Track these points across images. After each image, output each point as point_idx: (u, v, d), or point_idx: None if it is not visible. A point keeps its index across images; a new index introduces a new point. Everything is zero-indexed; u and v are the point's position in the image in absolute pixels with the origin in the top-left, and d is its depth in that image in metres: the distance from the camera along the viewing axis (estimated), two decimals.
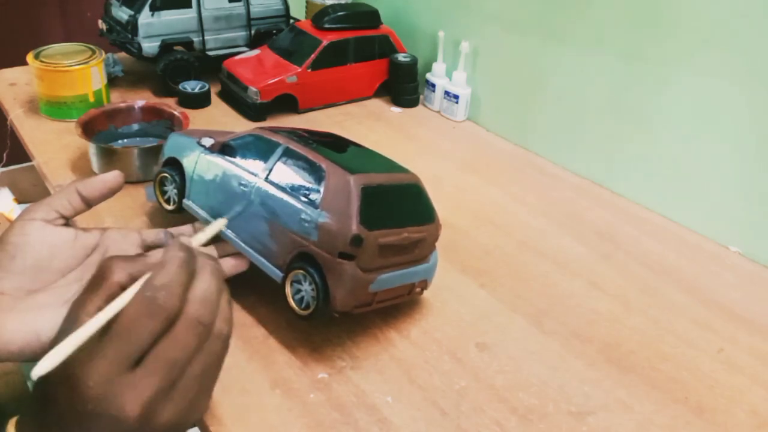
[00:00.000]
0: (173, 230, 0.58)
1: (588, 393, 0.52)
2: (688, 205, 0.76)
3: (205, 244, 0.51)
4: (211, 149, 0.58)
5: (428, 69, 1.02)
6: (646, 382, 0.54)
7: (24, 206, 1.82)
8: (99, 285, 0.39)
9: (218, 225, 0.52)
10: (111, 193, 0.54)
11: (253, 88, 0.91)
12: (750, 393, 0.54)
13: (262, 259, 0.53)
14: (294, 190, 0.51)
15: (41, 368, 0.34)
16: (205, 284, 0.39)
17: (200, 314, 0.38)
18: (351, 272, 0.48)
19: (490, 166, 0.88)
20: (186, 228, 0.58)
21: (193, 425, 0.41)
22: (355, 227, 0.47)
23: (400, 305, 0.58)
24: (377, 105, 1.03)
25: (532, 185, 0.83)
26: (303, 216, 0.49)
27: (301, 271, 0.50)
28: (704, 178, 0.73)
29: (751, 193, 0.69)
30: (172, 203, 0.61)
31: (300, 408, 0.49)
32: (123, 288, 0.39)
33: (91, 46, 0.92)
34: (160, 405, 0.37)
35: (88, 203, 0.53)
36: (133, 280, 0.39)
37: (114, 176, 0.54)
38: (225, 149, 0.57)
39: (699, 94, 0.71)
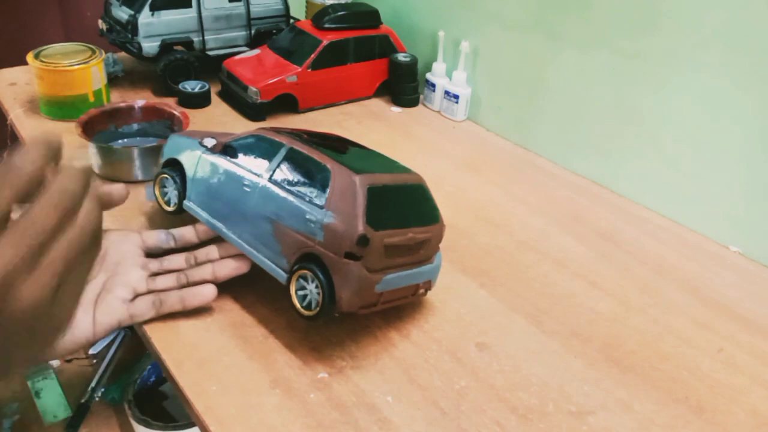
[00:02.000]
0: (174, 231, 0.58)
1: (588, 393, 0.52)
2: (688, 204, 0.76)
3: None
4: (213, 150, 0.58)
5: (428, 69, 1.02)
6: (646, 382, 0.54)
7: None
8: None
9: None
10: (111, 206, 0.53)
11: (253, 88, 0.91)
12: (750, 393, 0.54)
13: (266, 260, 0.53)
14: (299, 191, 0.51)
15: None
16: (71, 169, 0.35)
17: (64, 185, 0.34)
18: (357, 272, 0.48)
19: (490, 165, 0.88)
20: (187, 229, 0.58)
21: (62, 332, 0.37)
22: (361, 227, 0.47)
23: (401, 305, 0.58)
24: (377, 105, 1.03)
25: (532, 185, 0.83)
26: (308, 216, 0.49)
27: (306, 272, 0.50)
28: (704, 177, 0.73)
29: (751, 192, 0.69)
30: (172, 204, 0.61)
31: (300, 407, 0.49)
32: None
33: (91, 46, 0.92)
34: (19, 279, 0.33)
35: None
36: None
37: (118, 189, 0.54)
38: (227, 150, 0.57)
39: (699, 94, 0.71)
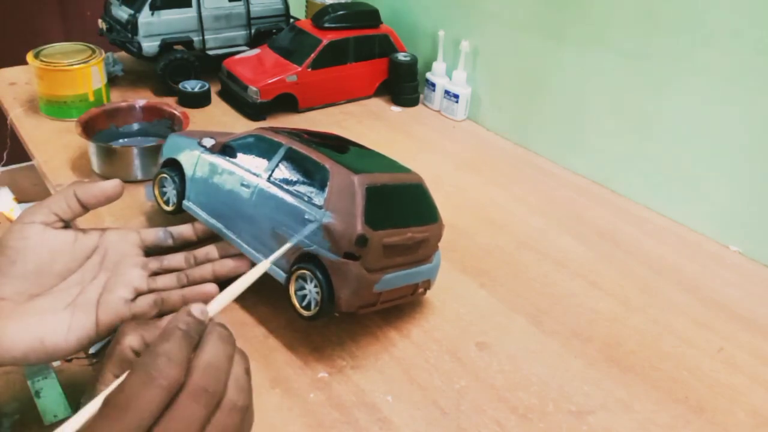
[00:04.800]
0: (172, 229, 0.58)
1: (588, 392, 0.52)
2: (688, 204, 0.76)
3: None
4: (212, 150, 0.58)
5: (428, 68, 1.02)
6: (646, 382, 0.54)
7: (24, 206, 1.82)
8: (113, 350, 0.37)
9: (255, 273, 0.45)
10: (108, 201, 0.53)
11: (253, 88, 0.91)
12: (750, 393, 0.54)
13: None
14: (297, 191, 0.51)
15: None
16: (211, 350, 0.36)
17: (205, 382, 0.34)
18: (356, 272, 0.48)
19: (490, 165, 0.88)
20: (186, 227, 0.58)
21: None
22: (360, 227, 0.47)
23: (401, 305, 0.58)
24: (377, 104, 1.03)
25: (532, 185, 0.83)
26: (307, 216, 0.49)
27: (305, 272, 0.50)
28: (704, 177, 0.73)
29: (751, 192, 0.69)
30: (171, 204, 0.61)
31: (300, 407, 0.49)
32: (135, 352, 0.37)
33: (91, 46, 0.92)
34: None
35: (86, 208, 0.53)
36: (145, 343, 0.37)
37: (113, 185, 0.53)
38: (226, 150, 0.57)
39: (699, 94, 0.71)
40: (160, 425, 0.33)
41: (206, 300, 0.54)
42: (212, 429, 0.34)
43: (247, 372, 0.38)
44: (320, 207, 0.49)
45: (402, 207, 0.53)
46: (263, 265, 0.45)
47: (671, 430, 0.50)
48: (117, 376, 0.35)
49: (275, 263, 0.52)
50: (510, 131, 0.95)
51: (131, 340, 0.37)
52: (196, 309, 0.37)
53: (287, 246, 0.49)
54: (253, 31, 1.04)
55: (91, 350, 1.32)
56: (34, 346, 0.47)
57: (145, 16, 0.92)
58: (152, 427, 0.33)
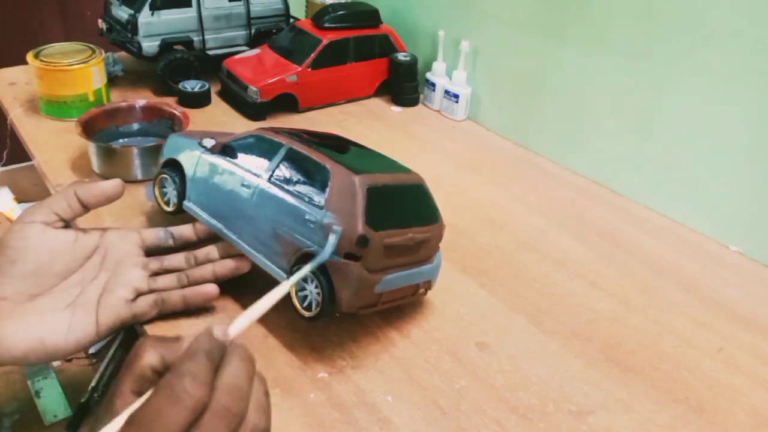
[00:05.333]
0: (173, 229, 0.58)
1: (588, 392, 0.52)
2: (688, 204, 0.76)
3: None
4: (212, 150, 0.58)
5: (428, 68, 1.02)
6: (646, 382, 0.54)
7: (24, 206, 1.82)
8: (132, 365, 0.37)
9: (276, 295, 0.44)
10: (109, 201, 0.53)
11: (253, 88, 0.91)
12: (750, 393, 0.54)
13: (266, 261, 0.53)
14: (298, 191, 0.51)
15: None
16: (233, 371, 0.36)
17: (229, 403, 0.35)
18: (357, 273, 0.48)
19: (490, 165, 0.88)
20: (186, 228, 0.58)
21: None
22: (360, 228, 0.47)
23: (401, 305, 0.58)
24: (377, 104, 1.03)
25: (532, 185, 0.83)
26: (307, 217, 0.49)
27: None
28: (704, 177, 0.73)
29: (751, 192, 0.69)
30: (171, 204, 0.61)
31: (300, 407, 0.49)
32: (155, 371, 0.37)
33: (91, 46, 0.92)
34: None
35: (87, 207, 0.53)
36: (165, 363, 0.37)
37: (114, 185, 0.54)
38: (226, 150, 0.57)
39: (699, 94, 0.71)
40: None
41: (207, 300, 0.55)
42: None
43: (267, 395, 0.38)
44: (321, 207, 0.49)
45: (403, 207, 0.53)
46: (285, 285, 0.44)
47: (671, 430, 0.50)
48: (135, 393, 0.35)
49: (275, 264, 0.52)
50: (510, 131, 0.95)
51: (151, 358, 0.37)
52: (218, 330, 0.37)
53: (314, 263, 0.47)
54: (253, 31, 1.04)
55: (91, 350, 1.32)
56: (34, 346, 0.47)
57: (145, 16, 0.92)
58: None
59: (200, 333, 0.36)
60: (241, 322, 0.39)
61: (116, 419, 0.33)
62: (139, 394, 0.35)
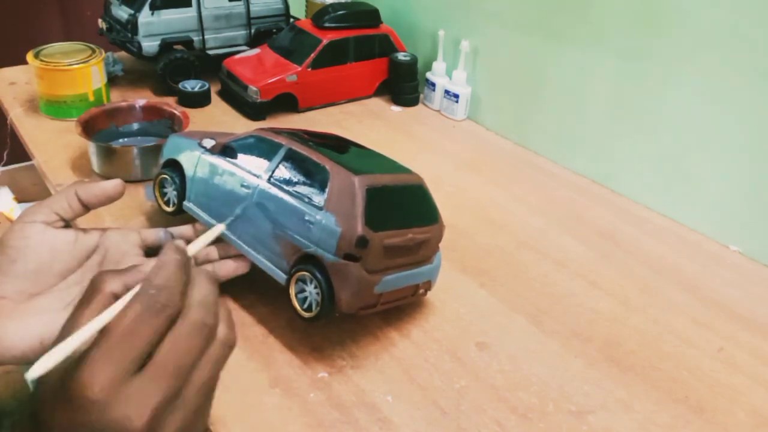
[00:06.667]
0: (173, 230, 0.58)
1: (588, 392, 0.52)
2: (688, 204, 0.76)
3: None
4: (212, 150, 0.58)
5: (428, 68, 1.02)
6: (646, 382, 0.54)
7: (24, 205, 1.82)
8: (92, 297, 0.37)
9: (215, 232, 0.49)
10: (109, 201, 0.53)
11: (253, 87, 0.91)
12: (750, 393, 0.54)
13: (265, 261, 0.53)
14: (297, 192, 0.51)
15: (35, 371, 0.32)
16: (203, 288, 0.37)
17: (202, 316, 0.36)
18: (356, 274, 0.48)
19: (490, 165, 0.88)
20: (186, 228, 0.58)
21: None
22: (360, 228, 0.47)
23: (401, 305, 0.58)
24: (377, 104, 1.03)
25: (532, 184, 0.83)
26: (307, 217, 0.49)
27: (305, 273, 0.50)
28: (704, 177, 0.73)
29: (751, 192, 0.69)
30: (171, 205, 0.61)
31: (300, 407, 0.49)
32: (117, 297, 0.37)
33: (91, 45, 0.92)
34: (167, 414, 0.34)
35: (87, 207, 0.53)
36: (127, 289, 0.37)
37: (114, 185, 0.53)
38: (226, 150, 0.57)
39: (699, 94, 0.71)
40: (160, 355, 0.34)
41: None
42: (207, 360, 0.36)
43: (229, 311, 0.39)
44: (320, 208, 0.49)
45: (402, 208, 0.53)
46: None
47: (671, 430, 0.50)
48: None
49: (275, 264, 0.52)
50: (510, 131, 0.95)
51: (113, 285, 0.37)
52: (180, 243, 0.38)
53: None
54: (253, 30, 1.04)
55: None
56: (34, 346, 0.47)
57: (145, 16, 0.92)
58: (152, 357, 0.34)
59: (165, 248, 0.37)
60: (197, 244, 0.43)
61: (84, 328, 0.34)
62: None
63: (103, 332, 0.34)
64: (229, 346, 0.38)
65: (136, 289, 0.36)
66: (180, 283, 0.36)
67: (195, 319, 0.36)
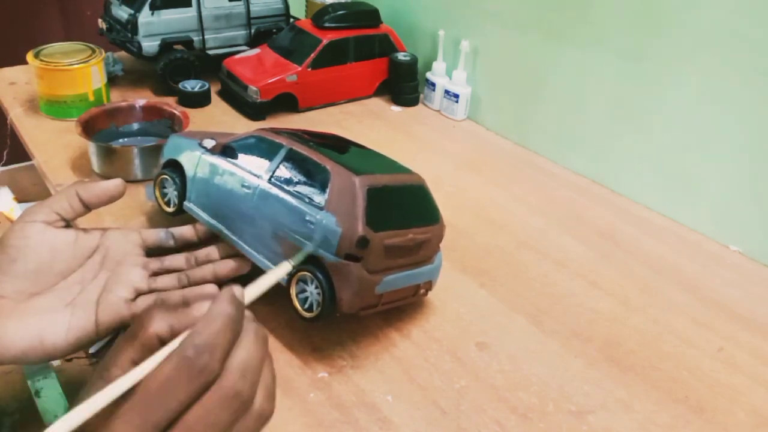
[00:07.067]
0: (173, 230, 0.58)
1: (588, 392, 0.52)
2: (688, 204, 0.76)
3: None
4: (213, 151, 0.58)
5: (428, 68, 1.02)
6: (646, 382, 0.54)
7: (24, 205, 1.82)
8: (136, 335, 0.35)
9: (278, 273, 0.45)
10: (111, 200, 0.53)
11: (253, 87, 0.91)
12: (750, 393, 0.54)
13: (266, 262, 0.53)
14: (298, 192, 0.51)
15: (58, 429, 0.30)
16: (247, 351, 0.34)
17: (239, 386, 0.34)
18: (357, 274, 0.48)
19: (490, 165, 0.88)
20: (187, 228, 0.58)
21: None
22: (361, 229, 0.47)
23: (401, 305, 0.58)
24: (377, 104, 1.03)
25: (532, 184, 0.83)
26: (308, 218, 0.49)
27: (306, 273, 0.50)
28: (704, 177, 0.73)
29: (751, 192, 0.69)
30: (172, 205, 0.61)
31: (300, 407, 0.49)
32: (161, 341, 0.35)
33: (91, 45, 0.92)
34: None
35: (88, 207, 0.53)
36: (173, 333, 0.35)
37: (115, 185, 0.54)
38: (226, 151, 0.57)
39: (699, 94, 0.71)
40: (189, 419, 0.32)
41: (207, 301, 0.54)
42: None
43: (274, 379, 0.37)
44: (321, 208, 0.49)
45: (403, 208, 0.53)
46: (287, 265, 0.47)
47: (671, 430, 0.50)
48: (135, 363, 0.33)
49: (275, 264, 0.52)
50: (510, 131, 0.95)
51: (159, 327, 0.35)
52: (238, 291, 0.35)
53: (314, 245, 0.49)
54: (253, 30, 1.04)
55: (91, 350, 1.32)
56: (33, 345, 0.47)
57: (145, 16, 0.92)
58: (175, 422, 0.32)
59: (221, 295, 0.35)
60: (252, 291, 0.39)
61: (119, 381, 0.32)
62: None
63: (135, 388, 0.32)
64: (265, 418, 0.36)
65: (178, 341, 0.34)
66: (224, 343, 0.34)
67: (230, 387, 0.33)
